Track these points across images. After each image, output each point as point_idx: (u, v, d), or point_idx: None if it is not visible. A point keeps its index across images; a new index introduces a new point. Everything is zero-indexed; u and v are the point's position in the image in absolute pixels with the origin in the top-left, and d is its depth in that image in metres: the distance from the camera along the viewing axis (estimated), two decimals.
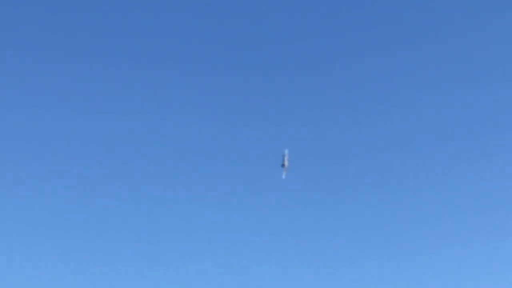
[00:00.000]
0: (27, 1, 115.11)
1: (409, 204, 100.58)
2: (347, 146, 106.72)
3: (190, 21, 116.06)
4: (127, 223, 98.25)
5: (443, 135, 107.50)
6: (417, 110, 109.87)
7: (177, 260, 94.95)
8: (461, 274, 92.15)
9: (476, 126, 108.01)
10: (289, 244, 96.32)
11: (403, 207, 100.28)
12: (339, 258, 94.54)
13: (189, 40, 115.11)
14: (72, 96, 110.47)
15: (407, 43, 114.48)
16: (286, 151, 69.50)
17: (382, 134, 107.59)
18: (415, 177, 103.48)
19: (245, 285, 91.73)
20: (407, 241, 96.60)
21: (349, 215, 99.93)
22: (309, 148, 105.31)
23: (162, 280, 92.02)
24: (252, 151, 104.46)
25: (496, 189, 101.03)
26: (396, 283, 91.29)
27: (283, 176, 69.17)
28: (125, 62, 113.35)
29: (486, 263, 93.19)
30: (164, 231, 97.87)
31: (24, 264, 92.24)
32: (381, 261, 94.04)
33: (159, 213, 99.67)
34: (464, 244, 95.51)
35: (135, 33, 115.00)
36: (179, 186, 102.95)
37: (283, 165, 68.55)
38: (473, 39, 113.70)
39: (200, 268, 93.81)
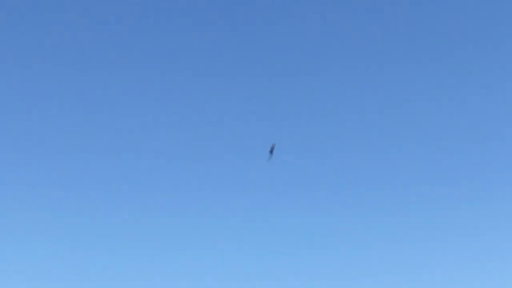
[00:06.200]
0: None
1: (405, 201, 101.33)
2: (344, 143, 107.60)
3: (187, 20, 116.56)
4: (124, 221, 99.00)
5: (440, 133, 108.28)
6: (413, 108, 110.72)
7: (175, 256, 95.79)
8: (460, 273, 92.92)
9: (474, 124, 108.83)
10: (288, 242, 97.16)
11: (400, 204, 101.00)
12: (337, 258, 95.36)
13: (186, 40, 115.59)
14: (71, 95, 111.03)
15: (403, 44, 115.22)
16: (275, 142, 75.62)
17: (378, 132, 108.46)
18: (411, 174, 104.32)
19: (245, 284, 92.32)
20: (404, 239, 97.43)
21: (345, 212, 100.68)
22: (308, 145, 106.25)
23: (160, 279, 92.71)
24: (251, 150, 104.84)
25: (495, 187, 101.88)
26: (394, 281, 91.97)
27: (269, 159, 74.51)
28: (124, 61, 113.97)
29: (483, 262, 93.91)
30: (161, 231, 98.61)
31: (24, 264, 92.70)
32: (380, 260, 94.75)
33: (156, 212, 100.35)
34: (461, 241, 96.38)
35: (133, 32, 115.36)
36: (177, 185, 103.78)
37: (271, 152, 73.44)
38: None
39: (199, 266, 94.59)
